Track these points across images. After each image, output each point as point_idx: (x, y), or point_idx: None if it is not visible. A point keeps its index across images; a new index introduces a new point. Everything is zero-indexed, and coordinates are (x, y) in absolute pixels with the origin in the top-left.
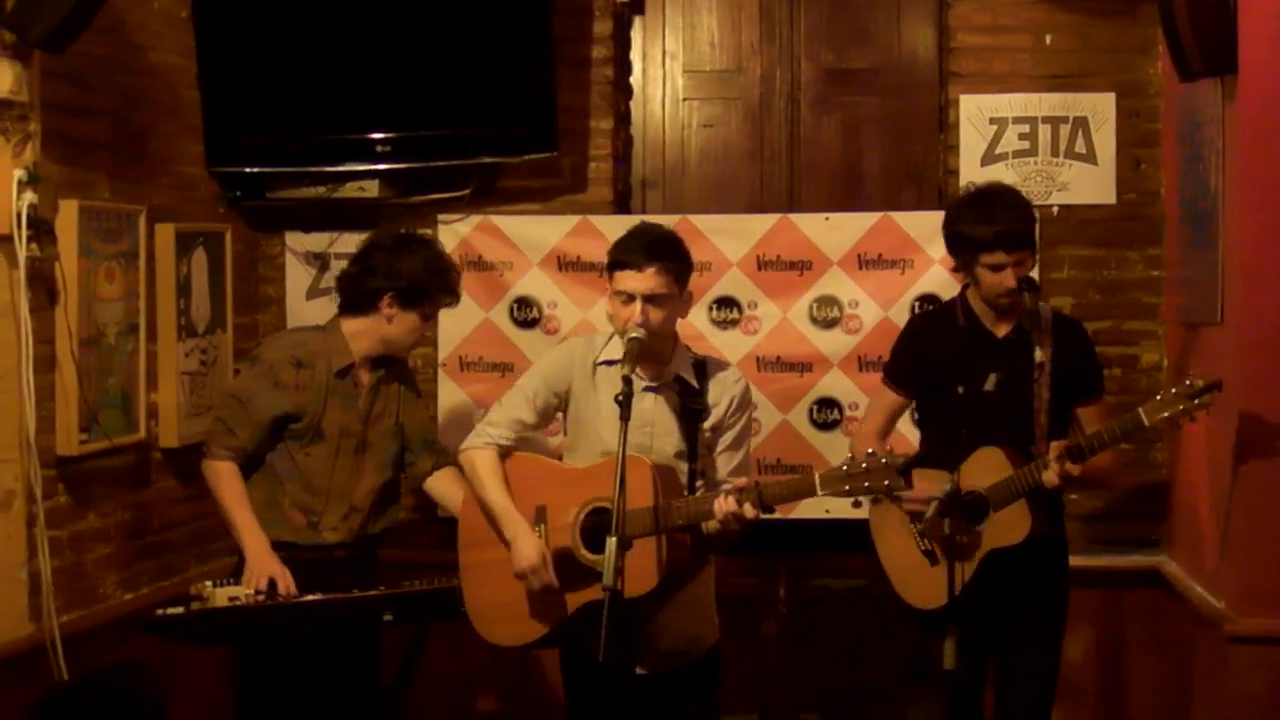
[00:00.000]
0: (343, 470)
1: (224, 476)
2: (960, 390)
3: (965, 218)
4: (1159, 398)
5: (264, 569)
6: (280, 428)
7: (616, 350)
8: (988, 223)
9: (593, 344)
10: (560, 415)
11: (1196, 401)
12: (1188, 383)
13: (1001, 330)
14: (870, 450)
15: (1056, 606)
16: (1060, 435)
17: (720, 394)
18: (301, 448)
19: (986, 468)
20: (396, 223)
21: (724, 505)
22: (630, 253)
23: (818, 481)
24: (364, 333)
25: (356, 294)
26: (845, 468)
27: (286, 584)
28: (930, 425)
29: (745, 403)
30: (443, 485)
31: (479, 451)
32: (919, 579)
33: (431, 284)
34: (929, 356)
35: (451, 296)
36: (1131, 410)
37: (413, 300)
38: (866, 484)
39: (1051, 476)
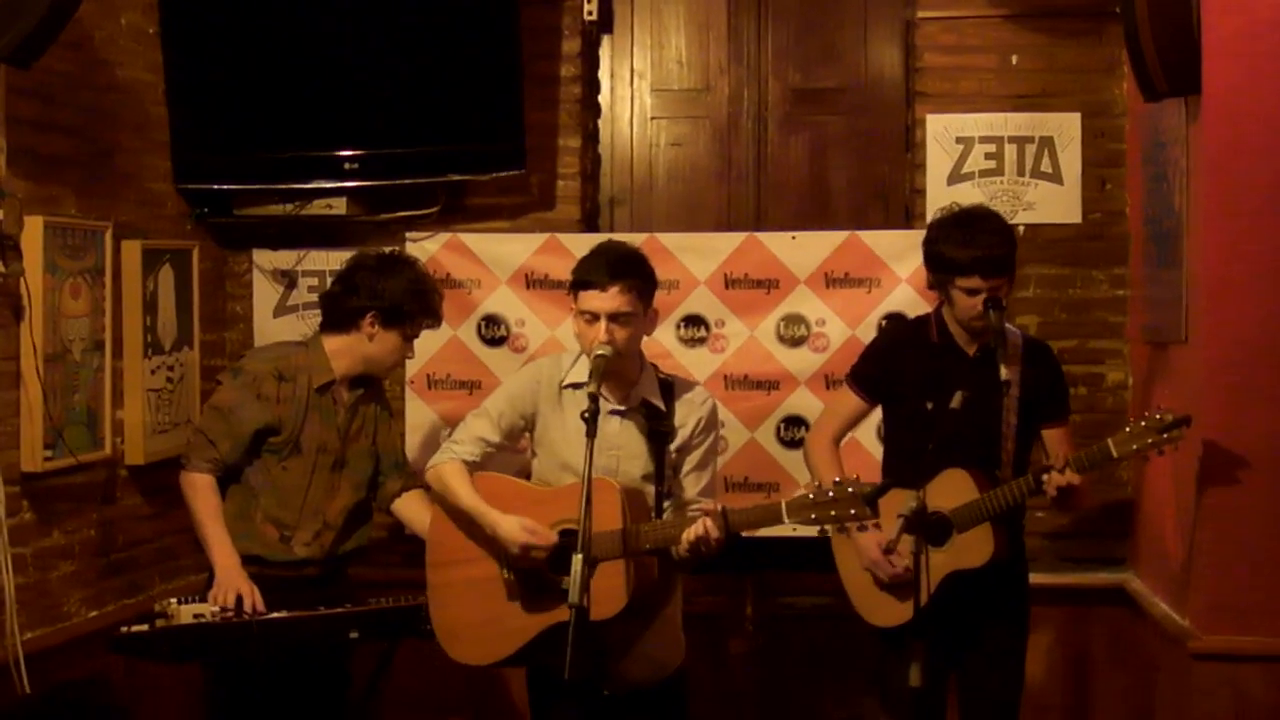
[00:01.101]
0: (318, 486)
1: (200, 490)
2: (929, 406)
3: (945, 238)
4: (1128, 430)
5: (232, 585)
6: (260, 441)
7: (582, 372)
8: (966, 247)
9: (559, 365)
10: (528, 435)
11: (1166, 436)
12: (1158, 416)
13: (973, 349)
14: (837, 479)
15: (1019, 623)
16: (1025, 456)
17: (687, 415)
18: (279, 461)
19: (952, 489)
20: (364, 240)
21: (691, 534)
22: (594, 272)
23: (785, 510)
24: (345, 351)
25: (339, 312)
26: (812, 496)
27: (253, 600)
28: (896, 439)
29: (712, 423)
30: (410, 507)
31: (446, 465)
32: (878, 598)
33: (413, 305)
34: (898, 368)
35: (432, 319)
36: (1100, 440)
37: (394, 320)
38: (833, 513)
39: (1053, 481)
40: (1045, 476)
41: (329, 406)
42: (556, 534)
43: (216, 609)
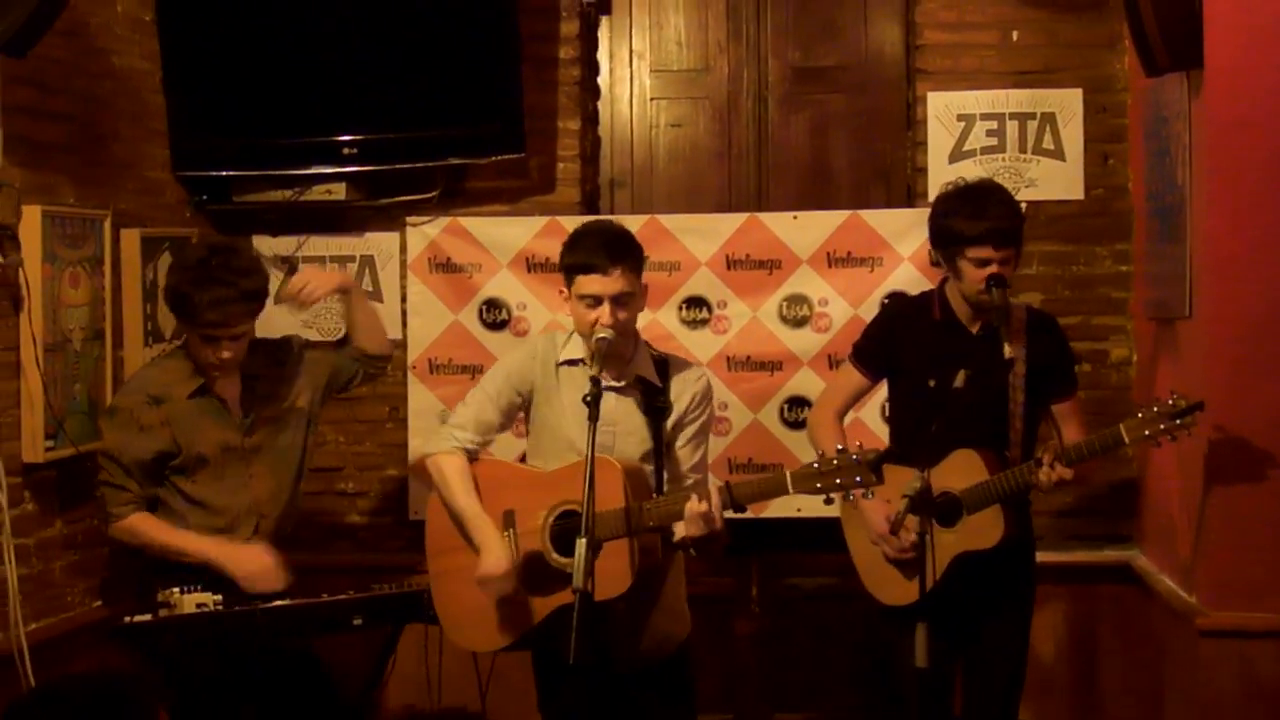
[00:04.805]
0: (238, 484)
1: (139, 526)
2: (931, 384)
3: (955, 211)
4: (1140, 415)
5: (250, 562)
6: (161, 467)
7: (577, 349)
8: (979, 218)
9: (553, 342)
10: (522, 416)
11: (1179, 422)
12: (1170, 402)
13: (976, 326)
14: (840, 447)
15: (1023, 602)
16: (1033, 432)
17: (682, 390)
18: (188, 479)
19: (962, 470)
20: (364, 225)
21: (695, 507)
22: (594, 255)
23: (789, 479)
24: (195, 352)
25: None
26: (817, 465)
27: (280, 575)
28: (900, 417)
29: (706, 398)
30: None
31: (446, 456)
32: (888, 576)
33: (176, 309)
34: (900, 344)
35: (194, 324)
36: (1109, 421)
37: (182, 321)
38: (838, 480)
39: (1048, 476)
40: (1036, 473)
41: (215, 407)
42: (519, 565)
43: (219, 597)
